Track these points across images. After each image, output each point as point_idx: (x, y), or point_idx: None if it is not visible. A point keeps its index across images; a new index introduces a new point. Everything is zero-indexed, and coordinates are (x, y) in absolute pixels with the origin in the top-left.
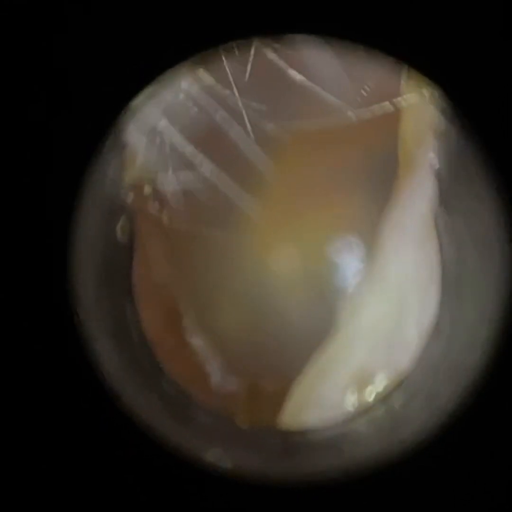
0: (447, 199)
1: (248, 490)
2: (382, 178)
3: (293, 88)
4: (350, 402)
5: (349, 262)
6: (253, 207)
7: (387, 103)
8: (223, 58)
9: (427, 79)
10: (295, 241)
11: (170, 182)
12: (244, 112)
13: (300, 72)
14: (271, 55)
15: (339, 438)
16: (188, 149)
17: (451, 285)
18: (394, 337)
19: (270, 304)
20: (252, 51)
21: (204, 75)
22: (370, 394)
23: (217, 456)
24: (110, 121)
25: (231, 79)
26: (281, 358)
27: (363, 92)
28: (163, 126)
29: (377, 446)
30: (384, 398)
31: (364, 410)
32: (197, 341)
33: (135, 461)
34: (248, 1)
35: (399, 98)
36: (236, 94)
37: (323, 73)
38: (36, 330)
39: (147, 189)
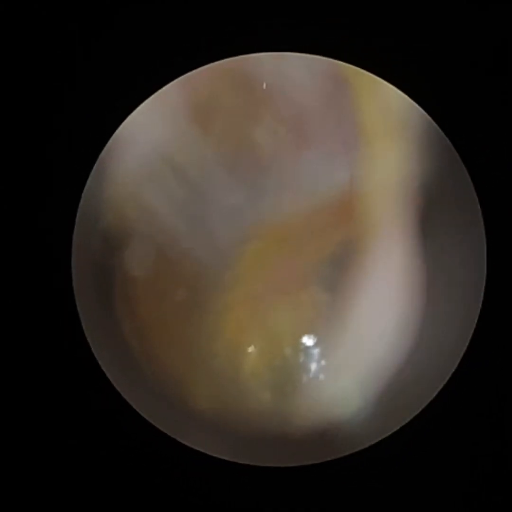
0: (427, 225)
1: (243, 473)
2: (345, 263)
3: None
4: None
5: (311, 356)
6: (219, 309)
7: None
8: None
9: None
10: (260, 342)
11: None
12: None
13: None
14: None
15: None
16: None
17: (428, 306)
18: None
19: (239, 399)
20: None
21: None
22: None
23: (212, 442)
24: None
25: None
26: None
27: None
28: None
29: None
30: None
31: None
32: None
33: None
34: (235, 20)
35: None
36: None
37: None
38: (46, 343)
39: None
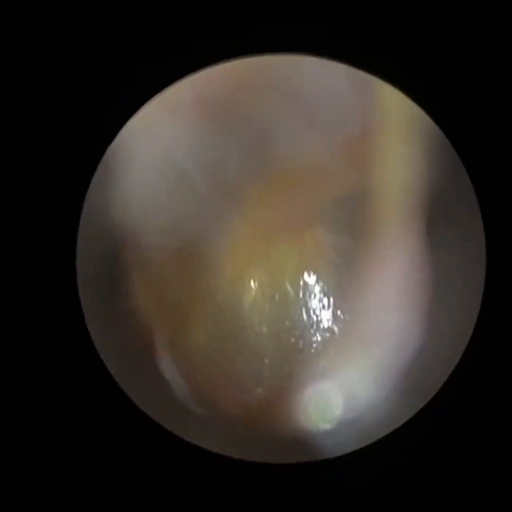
0: (432, 227)
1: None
2: (353, 219)
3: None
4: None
5: (313, 297)
6: (224, 245)
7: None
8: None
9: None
10: (262, 276)
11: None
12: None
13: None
14: None
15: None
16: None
17: (430, 306)
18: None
19: (237, 333)
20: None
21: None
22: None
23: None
24: (104, 145)
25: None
26: (248, 387)
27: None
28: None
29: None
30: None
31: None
32: (167, 367)
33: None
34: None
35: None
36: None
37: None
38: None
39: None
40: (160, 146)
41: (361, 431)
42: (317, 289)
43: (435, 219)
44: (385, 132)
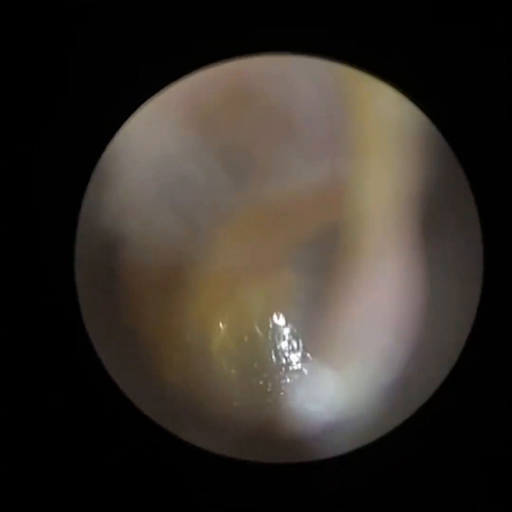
0: (428, 228)
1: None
2: (331, 255)
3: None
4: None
5: (282, 339)
6: (194, 282)
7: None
8: None
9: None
10: (231, 318)
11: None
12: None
13: None
14: None
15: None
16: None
17: (424, 311)
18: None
19: (206, 375)
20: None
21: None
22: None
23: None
24: (99, 151)
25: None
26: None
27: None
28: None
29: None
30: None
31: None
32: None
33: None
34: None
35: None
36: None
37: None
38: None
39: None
40: (156, 148)
41: (358, 432)
42: (286, 331)
43: (432, 227)
44: (382, 135)
